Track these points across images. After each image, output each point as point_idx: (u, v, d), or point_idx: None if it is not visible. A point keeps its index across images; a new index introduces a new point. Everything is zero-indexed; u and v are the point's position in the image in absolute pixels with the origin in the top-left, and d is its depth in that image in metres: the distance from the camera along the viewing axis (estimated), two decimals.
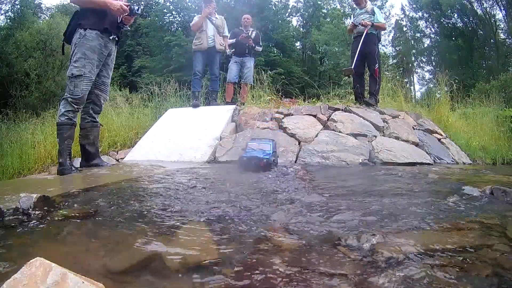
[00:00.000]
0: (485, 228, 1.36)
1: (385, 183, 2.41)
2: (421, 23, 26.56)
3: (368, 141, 3.80)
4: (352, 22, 4.87)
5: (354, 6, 5.23)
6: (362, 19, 4.68)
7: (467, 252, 1.12)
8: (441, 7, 23.63)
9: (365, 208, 1.68)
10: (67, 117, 2.67)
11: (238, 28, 5.77)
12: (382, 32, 5.41)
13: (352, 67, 4.66)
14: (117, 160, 4.33)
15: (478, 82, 14.84)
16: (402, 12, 27.67)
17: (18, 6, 14.14)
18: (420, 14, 26.28)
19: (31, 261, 0.82)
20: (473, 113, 6.54)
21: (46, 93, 10.50)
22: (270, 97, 5.51)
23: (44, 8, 19.66)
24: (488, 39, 22.60)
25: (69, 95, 2.66)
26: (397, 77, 8.61)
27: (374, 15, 4.73)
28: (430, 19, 25.78)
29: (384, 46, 25.42)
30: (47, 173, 3.91)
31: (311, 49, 24.24)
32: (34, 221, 1.42)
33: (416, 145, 4.05)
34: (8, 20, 13.94)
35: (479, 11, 22.82)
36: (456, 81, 7.21)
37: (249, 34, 5.55)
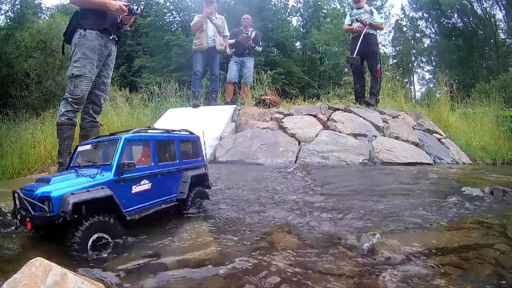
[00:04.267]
0: (485, 228, 1.36)
1: (385, 183, 2.41)
2: (421, 23, 26.59)
3: (368, 141, 3.80)
4: (355, 18, 4.83)
5: (352, 4, 5.21)
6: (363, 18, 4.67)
7: (467, 251, 1.12)
8: (441, 7, 23.62)
9: (365, 208, 1.68)
10: (67, 117, 2.67)
11: (238, 28, 5.76)
12: (382, 32, 5.40)
13: (354, 55, 4.61)
14: None
15: (478, 82, 14.83)
16: (402, 12, 27.71)
17: (18, 6, 14.11)
18: (420, 14, 26.30)
19: (31, 261, 0.82)
20: (473, 113, 6.53)
21: (46, 93, 10.48)
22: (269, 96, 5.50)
23: (44, 8, 19.63)
24: (488, 39, 22.59)
25: (69, 95, 2.66)
26: (397, 77, 8.59)
27: (372, 15, 4.74)
28: (430, 19, 25.79)
29: (384, 46, 25.44)
30: (47, 173, 3.91)
31: (311, 49, 24.23)
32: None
33: (416, 145, 4.05)
34: (8, 20, 13.92)
35: (479, 11, 22.82)
36: (456, 81, 7.21)
37: (249, 34, 5.55)
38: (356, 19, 4.70)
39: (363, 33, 4.56)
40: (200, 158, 1.79)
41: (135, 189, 1.36)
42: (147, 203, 1.41)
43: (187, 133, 1.81)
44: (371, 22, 4.60)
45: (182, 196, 1.57)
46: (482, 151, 5.18)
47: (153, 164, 1.45)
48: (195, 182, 1.69)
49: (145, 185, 1.40)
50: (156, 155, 1.48)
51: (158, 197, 1.47)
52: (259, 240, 1.29)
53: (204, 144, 1.84)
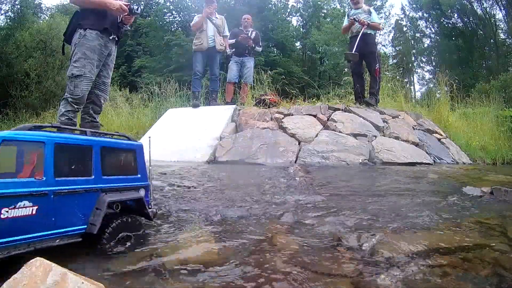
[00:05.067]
0: (485, 228, 1.36)
1: (385, 183, 2.41)
2: (421, 23, 26.60)
3: (368, 141, 3.80)
4: (351, 18, 4.82)
5: (351, 5, 5.20)
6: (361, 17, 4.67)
7: (467, 251, 1.12)
8: (441, 7, 23.63)
9: (365, 208, 1.68)
10: (67, 117, 2.67)
11: (238, 28, 5.76)
12: (382, 33, 5.39)
13: (353, 51, 4.59)
14: None
15: (478, 82, 14.83)
16: (402, 12, 27.71)
17: (18, 6, 14.13)
18: (420, 14, 26.31)
19: (31, 261, 0.82)
20: (473, 113, 6.53)
21: (46, 93, 10.50)
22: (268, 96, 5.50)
23: (44, 8, 19.67)
24: (488, 39, 22.59)
25: (69, 95, 2.66)
26: (397, 77, 8.60)
27: (370, 15, 4.74)
28: (430, 19, 25.80)
29: (384, 46, 25.44)
30: None
31: (311, 49, 24.22)
32: None
33: (416, 145, 4.05)
34: (8, 20, 13.95)
35: (479, 11, 22.83)
36: (456, 81, 7.21)
37: (249, 34, 5.55)
38: (354, 19, 4.69)
39: (361, 32, 4.56)
40: (138, 176, 1.31)
41: (8, 213, 0.94)
42: (28, 236, 0.98)
43: (124, 138, 1.35)
44: (369, 22, 4.60)
45: (92, 230, 1.11)
46: (482, 151, 5.18)
47: (44, 178, 1.02)
48: (123, 210, 1.24)
49: (25, 208, 0.97)
50: (53, 165, 1.04)
51: (50, 228, 1.03)
52: (259, 240, 1.29)
53: (150, 155, 1.37)
